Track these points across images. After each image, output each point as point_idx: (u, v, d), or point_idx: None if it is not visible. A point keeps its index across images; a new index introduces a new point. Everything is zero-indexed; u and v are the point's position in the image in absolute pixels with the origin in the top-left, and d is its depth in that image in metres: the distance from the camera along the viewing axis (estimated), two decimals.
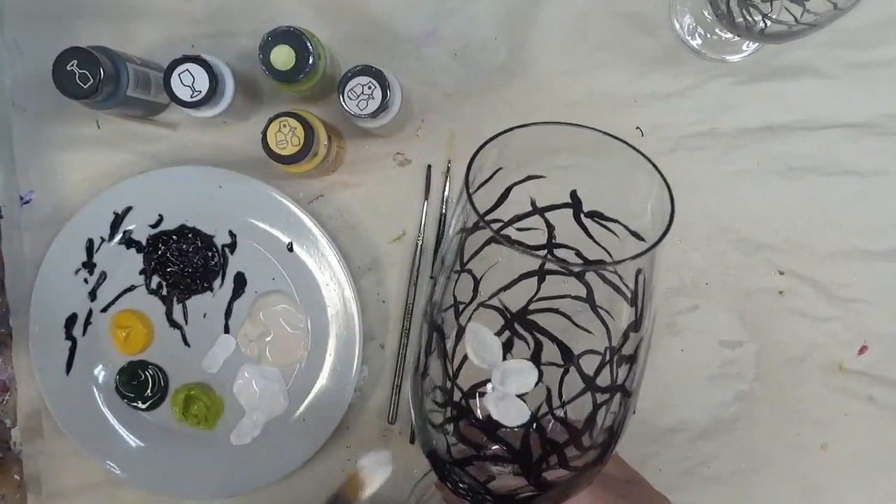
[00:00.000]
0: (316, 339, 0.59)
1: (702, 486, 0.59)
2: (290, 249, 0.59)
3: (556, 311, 0.29)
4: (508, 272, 0.29)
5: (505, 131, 0.29)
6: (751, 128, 0.59)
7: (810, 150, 0.58)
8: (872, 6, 0.56)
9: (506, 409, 0.28)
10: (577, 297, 0.28)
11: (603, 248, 0.32)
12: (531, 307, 0.29)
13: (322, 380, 0.59)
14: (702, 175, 0.59)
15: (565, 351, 0.29)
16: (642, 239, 0.31)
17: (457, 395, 0.30)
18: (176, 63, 0.53)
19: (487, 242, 0.29)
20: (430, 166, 0.60)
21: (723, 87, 0.59)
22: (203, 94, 0.53)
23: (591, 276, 0.29)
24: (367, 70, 0.52)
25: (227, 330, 0.60)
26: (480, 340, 0.28)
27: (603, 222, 0.32)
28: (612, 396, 0.29)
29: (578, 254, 0.30)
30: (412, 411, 0.33)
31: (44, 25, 0.61)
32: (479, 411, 0.29)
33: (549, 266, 0.28)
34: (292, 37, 0.52)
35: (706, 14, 0.58)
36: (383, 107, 0.52)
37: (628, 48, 0.59)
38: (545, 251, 0.29)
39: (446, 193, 0.60)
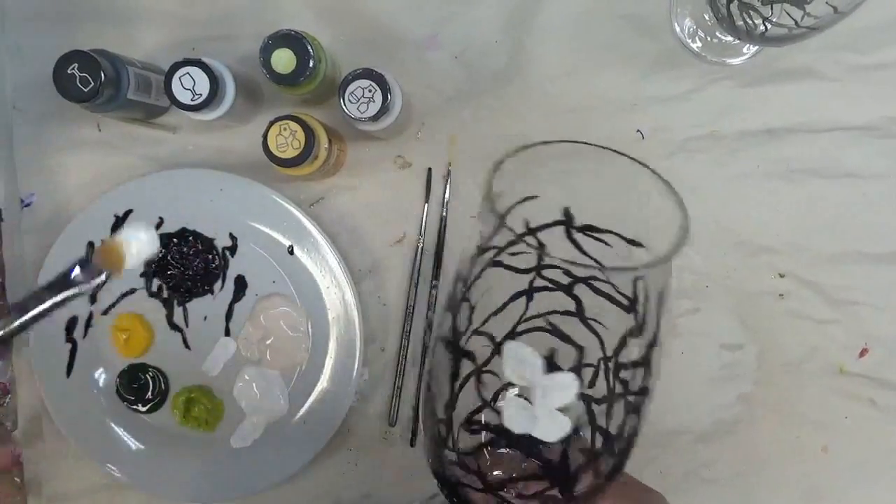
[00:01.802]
0: (316, 341, 0.59)
1: (703, 489, 0.59)
2: (291, 252, 0.59)
3: (545, 329, 0.29)
4: (502, 296, 0.30)
5: (520, 149, 0.29)
6: (752, 131, 0.59)
7: (811, 153, 0.58)
8: (873, 9, 0.56)
9: (547, 425, 0.28)
10: (564, 312, 0.28)
11: (595, 260, 0.32)
12: (519, 328, 0.29)
13: (322, 382, 0.59)
14: (703, 178, 0.59)
15: (551, 364, 0.29)
16: (641, 245, 0.31)
17: (492, 418, 0.30)
18: (176, 66, 0.53)
19: (483, 269, 0.29)
20: (430, 169, 0.60)
21: (723, 90, 0.59)
22: (204, 97, 0.53)
23: (580, 289, 0.29)
24: (367, 73, 0.52)
25: (227, 333, 0.60)
26: (520, 358, 0.28)
27: (597, 235, 0.32)
28: (612, 403, 0.29)
29: (567, 272, 0.30)
30: (431, 446, 0.33)
31: (45, 29, 0.61)
32: (515, 429, 0.28)
33: (538, 283, 0.28)
34: (293, 40, 0.52)
35: (706, 17, 0.58)
36: (384, 110, 0.52)
37: (629, 51, 0.59)
38: (533, 273, 0.29)
39: (447, 196, 0.60)
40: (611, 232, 0.32)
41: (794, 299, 0.59)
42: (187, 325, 0.60)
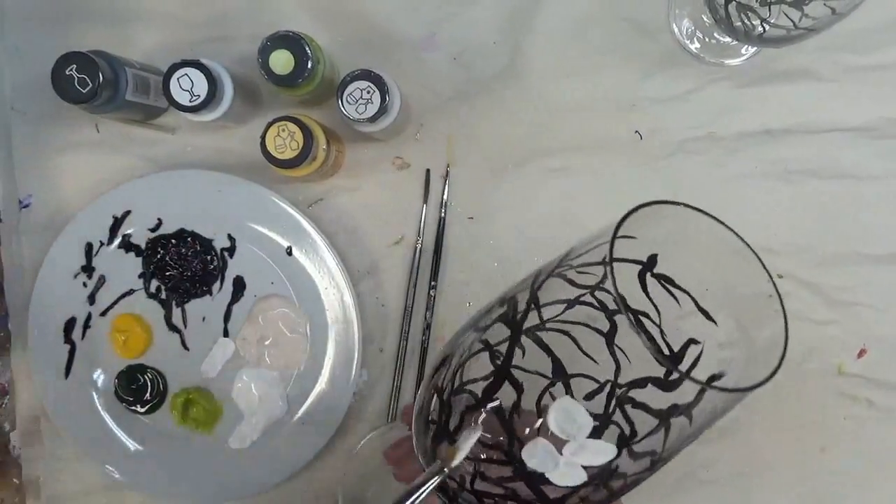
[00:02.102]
0: (315, 342, 0.59)
1: (701, 490, 0.59)
2: (290, 253, 0.59)
3: (566, 333, 0.29)
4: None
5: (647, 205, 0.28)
6: (750, 131, 0.59)
7: (809, 153, 0.58)
8: (870, 10, 0.56)
9: (566, 473, 0.28)
10: (596, 329, 0.28)
11: (652, 302, 0.31)
12: (546, 324, 0.29)
13: (321, 383, 0.59)
14: (701, 179, 0.59)
15: (558, 368, 0.29)
16: (713, 321, 0.31)
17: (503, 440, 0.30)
18: (175, 67, 0.53)
19: (547, 277, 0.29)
20: (428, 170, 0.60)
21: (722, 90, 0.59)
22: (202, 98, 0.53)
23: (621, 319, 0.28)
24: (365, 74, 0.52)
25: (226, 334, 0.60)
26: (570, 415, 0.28)
27: (669, 287, 0.31)
28: (604, 427, 0.29)
29: (623, 299, 0.30)
30: (421, 444, 0.32)
31: (43, 30, 0.61)
32: (530, 464, 0.28)
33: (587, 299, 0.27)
34: (291, 41, 0.52)
35: (705, 18, 0.58)
36: (382, 111, 0.52)
37: (627, 52, 0.59)
38: (588, 290, 0.28)
39: (445, 197, 0.60)
40: (687, 292, 0.31)
41: (793, 300, 0.59)
42: (186, 326, 0.60)
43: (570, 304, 0.28)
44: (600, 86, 0.59)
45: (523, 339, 0.29)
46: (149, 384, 0.60)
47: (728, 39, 0.58)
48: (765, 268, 0.29)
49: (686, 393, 0.27)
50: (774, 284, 0.29)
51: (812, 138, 0.58)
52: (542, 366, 0.29)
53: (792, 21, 0.45)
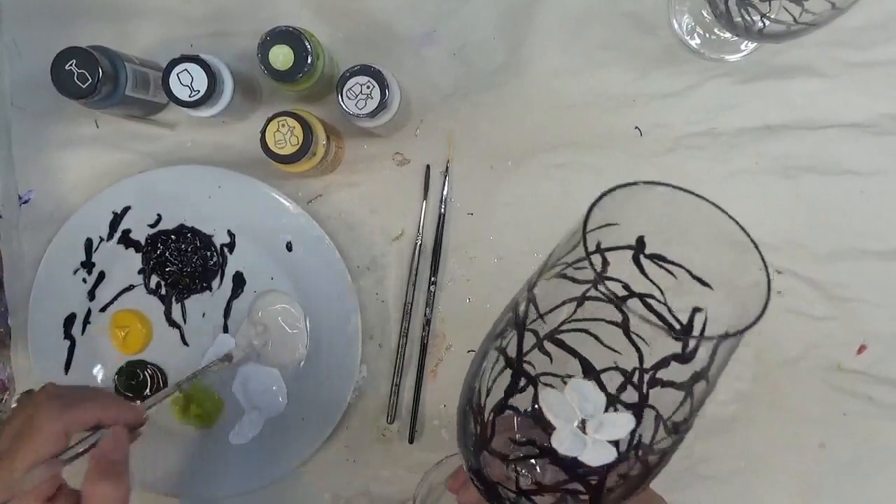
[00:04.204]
0: (314, 338, 0.59)
1: (700, 485, 0.59)
2: (289, 249, 0.59)
3: (586, 331, 0.30)
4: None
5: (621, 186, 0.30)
6: (749, 127, 0.59)
7: (809, 149, 0.58)
8: (871, 6, 0.56)
9: (595, 452, 0.29)
10: (610, 322, 0.29)
11: (653, 282, 0.33)
12: (562, 328, 0.30)
13: (321, 379, 0.59)
14: (700, 174, 0.59)
15: (587, 366, 0.29)
16: (707, 285, 0.32)
17: (540, 438, 0.31)
18: (174, 63, 0.53)
19: (550, 278, 0.30)
20: (428, 166, 0.60)
21: (721, 86, 0.59)
22: (202, 93, 0.53)
23: (633, 303, 0.29)
24: (365, 70, 0.52)
25: (225, 329, 0.60)
26: (584, 394, 0.29)
27: (663, 264, 0.33)
28: (642, 413, 0.30)
29: (626, 286, 0.31)
30: (466, 442, 0.33)
31: (42, 25, 0.61)
32: (562, 451, 0.29)
33: (592, 294, 0.28)
34: (291, 36, 0.52)
35: (705, 14, 0.58)
36: (382, 106, 0.52)
37: (627, 48, 0.59)
38: (590, 285, 0.29)
39: (445, 193, 0.60)
40: (679, 265, 0.33)
41: (792, 296, 0.59)
42: (185, 322, 0.61)
43: (580, 300, 0.29)
44: (600, 81, 0.59)
45: (547, 344, 0.30)
46: (149, 380, 0.60)
47: (728, 35, 0.58)
48: (738, 225, 0.32)
49: (701, 358, 0.29)
50: (751, 238, 0.31)
51: (812, 134, 0.58)
52: (571, 367, 0.30)
53: (792, 16, 0.45)
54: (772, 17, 0.46)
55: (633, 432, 0.29)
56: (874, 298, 0.58)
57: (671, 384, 0.29)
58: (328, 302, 0.59)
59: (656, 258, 0.33)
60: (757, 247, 0.30)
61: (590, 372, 0.29)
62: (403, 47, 0.60)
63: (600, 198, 0.29)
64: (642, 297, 0.32)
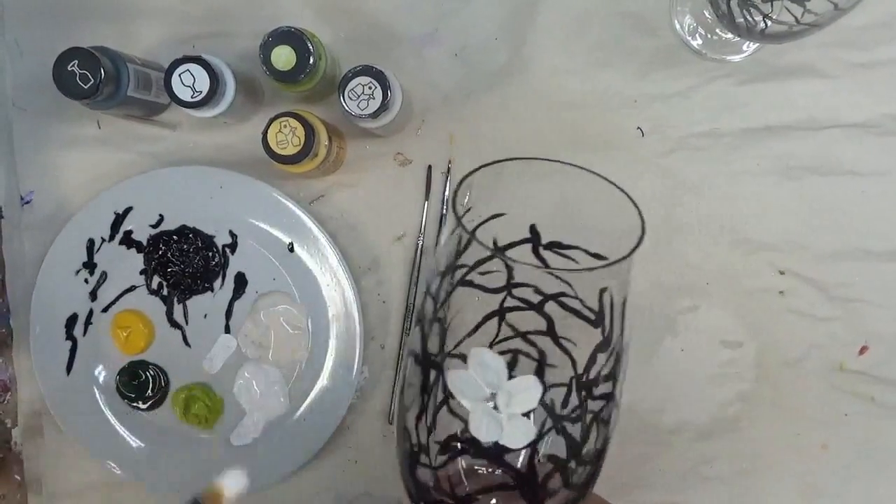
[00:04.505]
0: (316, 339, 0.59)
1: (702, 487, 0.59)
2: (291, 250, 0.59)
3: (521, 352, 0.29)
4: (475, 317, 0.30)
5: (478, 169, 0.30)
6: (751, 128, 0.59)
7: (811, 150, 0.58)
8: (873, 6, 0.56)
9: (513, 431, 0.28)
10: (537, 332, 0.28)
11: (561, 279, 0.31)
12: (494, 349, 0.29)
13: (322, 380, 0.59)
14: (703, 175, 0.59)
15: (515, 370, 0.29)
16: (605, 258, 0.31)
17: (457, 428, 0.30)
18: (176, 63, 0.53)
19: (454, 288, 0.29)
20: (430, 166, 0.60)
21: (723, 87, 0.59)
22: (204, 94, 0.53)
23: (550, 307, 0.29)
24: (367, 70, 0.52)
25: (227, 330, 0.60)
26: (484, 364, 0.28)
27: (562, 251, 0.32)
28: (584, 417, 0.29)
29: (537, 290, 0.30)
30: (403, 459, 0.33)
31: (44, 26, 0.61)
32: (483, 437, 0.28)
33: (510, 304, 0.28)
34: (293, 37, 0.52)
35: (707, 14, 0.58)
36: (384, 107, 0.52)
37: (628, 48, 0.59)
38: (504, 292, 0.29)
39: (447, 194, 0.60)
40: (576, 247, 0.32)
41: (794, 296, 0.59)
42: (187, 323, 0.60)
43: (501, 313, 0.29)
44: (602, 82, 0.59)
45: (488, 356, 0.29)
46: (150, 381, 0.60)
47: (730, 35, 0.58)
48: (609, 182, 0.31)
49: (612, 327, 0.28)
50: (623, 191, 0.30)
51: (814, 135, 0.58)
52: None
53: (794, 17, 0.45)
54: (774, 17, 0.46)
55: (548, 405, 0.28)
56: (876, 299, 0.58)
57: (605, 378, 0.29)
58: (330, 303, 0.59)
59: (554, 247, 0.32)
60: (632, 200, 0.30)
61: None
62: (405, 48, 0.60)
63: (467, 175, 0.29)
64: (558, 297, 0.30)
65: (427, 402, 0.31)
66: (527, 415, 0.28)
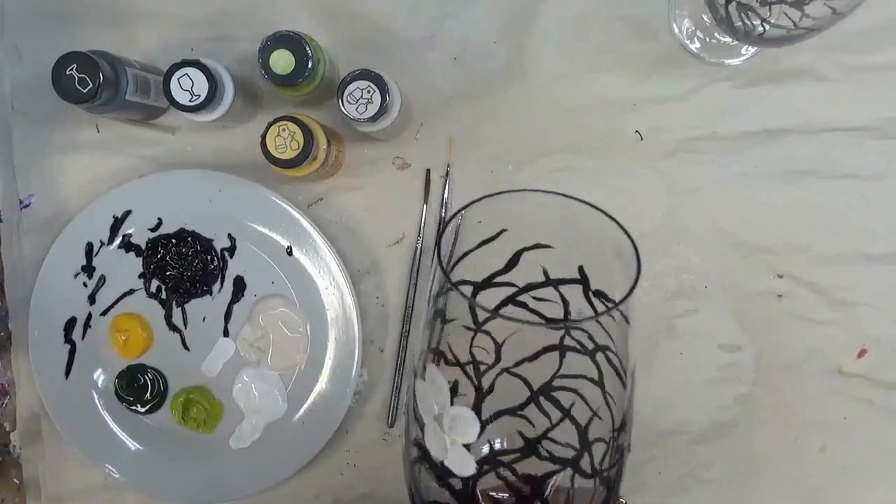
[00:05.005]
0: (315, 342, 0.59)
1: (701, 490, 0.59)
2: (290, 253, 0.59)
3: (575, 391, 0.28)
4: (526, 342, 0.28)
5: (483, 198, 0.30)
6: (750, 131, 0.59)
7: (809, 153, 0.58)
8: (871, 10, 0.56)
9: (455, 458, 0.27)
10: (590, 379, 0.27)
11: (604, 329, 0.30)
12: (554, 383, 0.28)
13: (321, 383, 0.59)
14: (701, 178, 0.59)
15: (582, 435, 0.27)
16: (606, 296, 0.31)
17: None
18: (175, 67, 0.53)
19: (503, 304, 0.29)
20: (429, 170, 0.60)
21: (722, 90, 0.59)
22: (202, 98, 0.53)
23: (600, 357, 0.28)
24: (366, 74, 0.52)
25: (226, 333, 0.60)
26: (436, 385, 0.27)
27: (606, 303, 0.31)
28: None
29: (591, 337, 0.29)
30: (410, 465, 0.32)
31: (43, 29, 0.61)
32: (432, 452, 0.27)
33: (568, 343, 0.27)
34: (291, 41, 0.52)
35: (705, 18, 0.58)
36: (382, 111, 0.52)
37: (627, 52, 0.59)
38: (563, 328, 0.28)
39: (445, 197, 0.60)
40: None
41: (793, 300, 0.59)
42: (186, 326, 0.60)
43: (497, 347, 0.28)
44: (601, 85, 0.59)
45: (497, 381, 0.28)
46: (149, 384, 0.60)
47: (728, 39, 0.58)
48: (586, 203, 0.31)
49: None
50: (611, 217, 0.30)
51: (812, 138, 0.58)
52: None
53: (792, 21, 0.45)
54: (772, 21, 0.46)
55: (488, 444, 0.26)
56: (875, 302, 0.58)
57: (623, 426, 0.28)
58: (329, 306, 0.59)
59: (601, 296, 0.31)
60: (620, 225, 0.29)
61: (585, 445, 0.27)
62: (404, 51, 0.60)
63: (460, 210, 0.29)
64: (605, 350, 0.29)
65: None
66: (468, 447, 0.27)
